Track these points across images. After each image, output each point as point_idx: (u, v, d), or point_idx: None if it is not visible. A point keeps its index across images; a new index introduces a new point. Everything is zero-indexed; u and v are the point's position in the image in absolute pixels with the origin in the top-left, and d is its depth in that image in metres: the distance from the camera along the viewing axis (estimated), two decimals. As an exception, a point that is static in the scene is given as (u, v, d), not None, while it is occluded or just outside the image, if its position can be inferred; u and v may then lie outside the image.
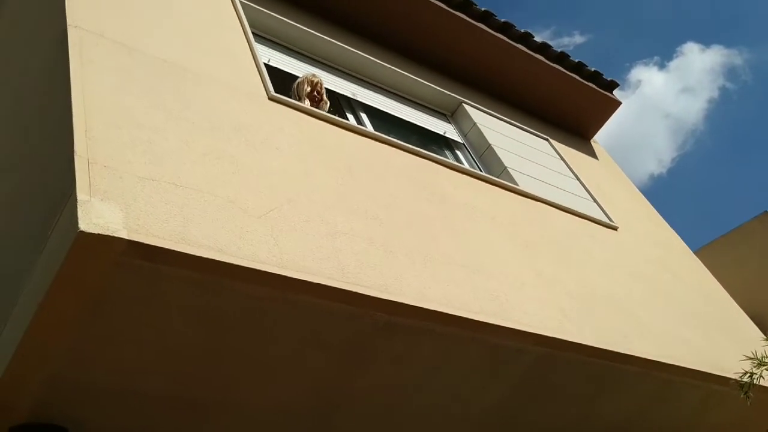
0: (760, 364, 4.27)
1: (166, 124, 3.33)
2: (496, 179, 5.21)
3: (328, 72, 5.33)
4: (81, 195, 2.64)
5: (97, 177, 2.76)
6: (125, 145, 3.03)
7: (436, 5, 5.98)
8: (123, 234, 2.62)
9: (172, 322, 2.98)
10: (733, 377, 4.54)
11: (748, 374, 4.37)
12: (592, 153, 7.33)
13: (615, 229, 5.82)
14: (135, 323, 2.91)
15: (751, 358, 4.39)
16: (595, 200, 6.05)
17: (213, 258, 2.83)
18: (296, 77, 4.94)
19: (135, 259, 2.70)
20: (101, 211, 2.64)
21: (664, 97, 30.37)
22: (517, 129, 6.41)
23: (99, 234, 2.56)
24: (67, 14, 3.54)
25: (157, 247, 2.72)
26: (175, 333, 3.02)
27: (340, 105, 5.24)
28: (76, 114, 2.97)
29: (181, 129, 3.36)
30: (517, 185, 5.32)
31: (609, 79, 7.29)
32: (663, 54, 31.26)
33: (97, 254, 2.61)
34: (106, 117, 3.10)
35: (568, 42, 28.11)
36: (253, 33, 4.71)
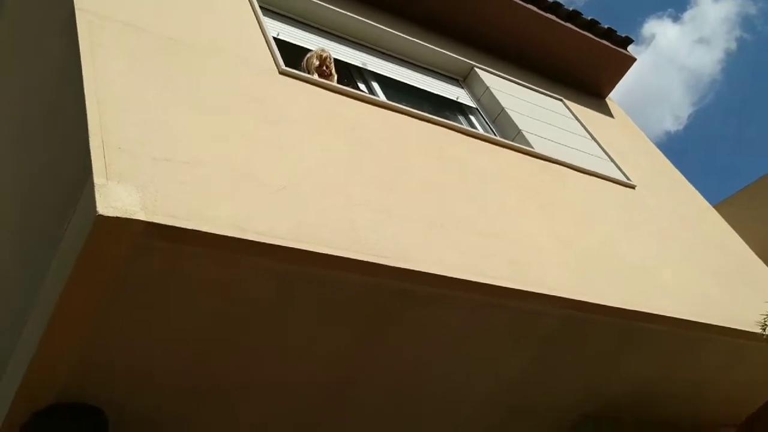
0: None
1: (177, 104, 3.33)
2: (511, 143, 5.17)
3: (337, 42, 5.29)
4: (98, 179, 2.66)
5: (112, 160, 2.78)
6: (138, 126, 3.04)
7: (444, -31, 5.90)
8: (141, 216, 2.65)
9: (194, 300, 3.02)
10: (757, 329, 4.53)
11: None
12: (607, 112, 7.25)
13: (633, 187, 5.77)
14: (158, 303, 2.95)
15: None
16: (611, 159, 6.00)
17: (231, 235, 2.85)
18: (306, 50, 4.92)
19: (154, 239, 2.73)
20: (118, 194, 2.66)
21: (679, 50, 29.90)
22: (531, 91, 6.35)
23: (117, 217, 2.58)
24: (74, -3, 3.53)
25: (176, 227, 2.74)
26: (198, 311, 3.07)
27: (352, 75, 5.22)
28: (89, 98, 2.98)
29: (193, 107, 3.37)
30: (532, 148, 5.28)
31: (623, 35, 7.17)
32: (676, 5, 30.66)
33: (116, 237, 2.64)
34: (118, 100, 3.11)
35: (579, -1, 27.63)
36: (261, 7, 4.68)
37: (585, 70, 7.08)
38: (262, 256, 2.99)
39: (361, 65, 5.27)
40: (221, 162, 3.15)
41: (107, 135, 2.86)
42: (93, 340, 2.89)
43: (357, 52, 5.35)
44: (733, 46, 28.92)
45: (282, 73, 4.09)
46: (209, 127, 3.32)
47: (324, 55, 4.71)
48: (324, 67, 4.62)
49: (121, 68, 3.31)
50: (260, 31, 4.36)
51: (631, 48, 7.30)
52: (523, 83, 6.36)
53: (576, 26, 6.81)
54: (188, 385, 3.30)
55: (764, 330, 4.31)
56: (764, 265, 5.99)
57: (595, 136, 6.25)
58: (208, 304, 3.07)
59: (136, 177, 2.79)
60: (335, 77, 4.65)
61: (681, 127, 29.32)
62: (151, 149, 2.97)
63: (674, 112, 30.14)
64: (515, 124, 5.53)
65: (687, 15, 30.29)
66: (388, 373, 3.78)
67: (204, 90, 3.54)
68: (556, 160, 5.32)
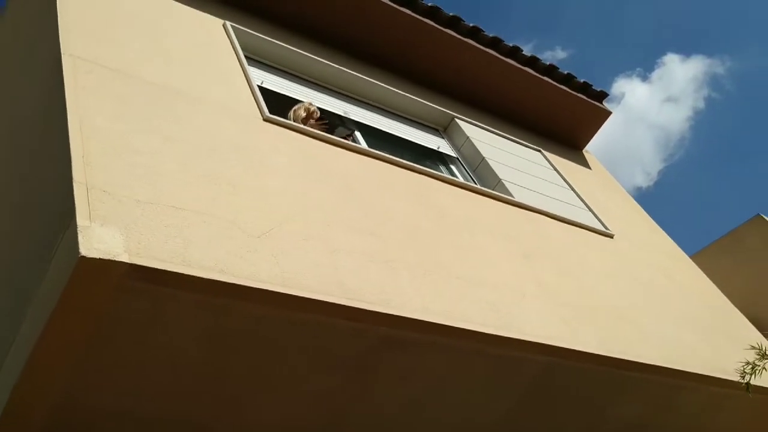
0: (763, 356, 4.28)
1: (163, 148, 3.35)
2: (492, 191, 5.23)
3: (320, 92, 5.37)
4: (81, 220, 2.65)
5: (96, 202, 2.77)
6: (123, 169, 3.04)
7: (425, 23, 6.04)
8: (124, 257, 2.63)
9: (177, 343, 2.98)
10: (736, 377, 4.54)
11: (750, 365, 4.37)
12: (584, 163, 7.38)
13: (611, 237, 5.84)
14: (141, 345, 2.91)
15: (754, 348, 4.40)
16: (590, 209, 6.08)
17: (215, 279, 2.84)
18: (290, 98, 4.98)
19: (137, 282, 2.71)
20: (102, 236, 2.64)
21: (648, 108, 30.58)
22: (510, 141, 6.45)
23: (100, 258, 2.56)
24: (61, 42, 3.57)
25: (159, 269, 2.72)
26: (182, 354, 3.03)
27: (334, 124, 5.27)
28: (74, 141, 2.99)
29: (178, 152, 3.38)
30: (513, 197, 5.35)
31: (598, 89, 7.35)
32: (644, 65, 31.52)
33: (99, 279, 2.61)
34: (103, 143, 3.12)
35: (551, 57, 28.39)
36: (245, 56, 4.75)
37: (562, 122, 7.22)
38: (245, 300, 2.97)
39: (342, 114, 5.34)
40: (205, 206, 3.16)
41: (91, 177, 2.86)
42: (74, 381, 2.84)
43: (339, 101, 5.42)
44: (701, 104, 29.69)
45: (266, 120, 4.13)
46: (194, 172, 3.33)
47: (312, 108, 4.79)
48: (312, 121, 4.68)
49: (106, 112, 3.32)
50: (245, 79, 4.41)
51: (606, 103, 7.47)
52: (503, 134, 6.47)
53: (553, 80, 6.97)
54: (173, 428, 3.23)
55: (743, 378, 4.32)
56: (740, 313, 6.05)
57: (574, 186, 6.34)
58: (193, 347, 3.03)
59: (120, 219, 2.78)
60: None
61: (651, 183, 29.82)
62: (135, 192, 2.97)
63: (645, 168, 30.68)
64: (495, 173, 5.61)
65: (655, 74, 31.13)
66: (376, 415, 3.73)
67: (189, 135, 3.56)
68: (536, 209, 5.38)
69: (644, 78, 30.81)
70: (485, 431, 4.12)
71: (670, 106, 30.41)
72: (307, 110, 4.76)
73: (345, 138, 4.91)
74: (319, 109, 4.93)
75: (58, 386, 2.81)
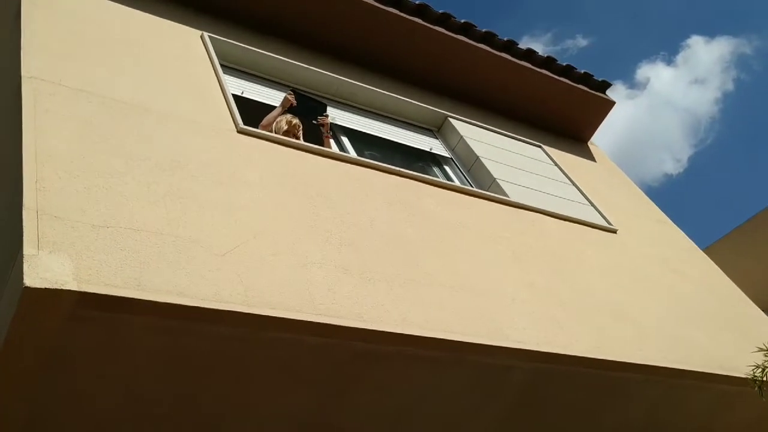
0: None
1: (125, 168, 3.28)
2: (483, 192, 5.10)
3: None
4: (28, 249, 2.59)
5: (46, 229, 2.71)
6: (79, 193, 2.98)
7: (413, 21, 5.91)
8: (72, 286, 2.56)
9: (140, 370, 2.92)
10: (745, 375, 4.38)
11: (761, 368, 4.21)
12: (589, 156, 7.20)
13: (614, 231, 5.67)
14: (101, 374, 2.85)
15: (763, 350, 4.24)
16: (592, 204, 5.91)
17: (171, 302, 2.77)
18: (273, 107, 4.89)
19: (90, 310, 2.64)
20: (49, 264, 2.58)
21: (674, 92, 30.12)
22: (508, 138, 6.30)
23: (46, 288, 2.50)
24: (22, 65, 3.52)
25: (112, 296, 2.65)
26: (146, 380, 2.96)
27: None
28: (27, 166, 2.94)
29: (141, 171, 3.31)
30: (507, 196, 5.21)
31: (600, 79, 7.16)
32: (668, 49, 31.05)
33: (47, 308, 2.55)
34: (61, 166, 3.06)
35: (572, 45, 28.02)
36: (222, 66, 4.68)
37: (563, 115, 7.05)
38: (209, 321, 2.89)
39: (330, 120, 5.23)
40: (166, 227, 3.08)
41: (43, 203, 2.80)
42: (29, 417, 2.78)
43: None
44: (731, 86, 29.13)
45: (240, 132, 4.05)
46: (157, 191, 3.26)
47: (294, 122, 4.68)
48: (292, 135, 4.57)
49: (67, 134, 3.26)
50: (220, 90, 4.34)
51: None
52: (500, 131, 6.33)
53: (551, 72, 6.80)
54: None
55: (754, 382, 4.15)
56: (754, 305, 5.84)
57: (576, 181, 6.17)
58: (157, 372, 2.96)
59: (71, 245, 2.72)
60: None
61: (682, 170, 29.33)
62: (90, 216, 2.90)
63: (674, 155, 30.21)
64: (490, 172, 5.47)
65: (680, 57, 30.61)
66: (355, 429, 3.63)
67: (155, 153, 3.49)
68: (532, 207, 5.24)
69: (669, 62, 30.32)
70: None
71: (697, 89, 29.90)
72: (289, 123, 4.65)
73: (321, 126, 4.77)
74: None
75: (15, 420, 2.75)
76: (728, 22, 28.70)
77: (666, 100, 30.10)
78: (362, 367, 3.36)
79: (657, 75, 30.66)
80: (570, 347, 3.92)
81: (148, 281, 2.78)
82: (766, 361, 4.25)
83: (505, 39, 6.52)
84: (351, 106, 5.55)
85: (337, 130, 5.26)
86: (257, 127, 4.34)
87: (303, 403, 3.37)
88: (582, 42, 28.80)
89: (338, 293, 3.30)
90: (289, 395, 3.33)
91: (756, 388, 4.14)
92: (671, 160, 29.66)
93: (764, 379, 4.15)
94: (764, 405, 4.87)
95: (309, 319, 3.06)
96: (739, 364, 4.55)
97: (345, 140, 5.19)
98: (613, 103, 7.26)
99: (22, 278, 2.48)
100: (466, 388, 3.72)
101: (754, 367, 4.29)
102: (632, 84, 31.10)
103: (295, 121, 4.70)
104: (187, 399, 3.10)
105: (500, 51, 6.45)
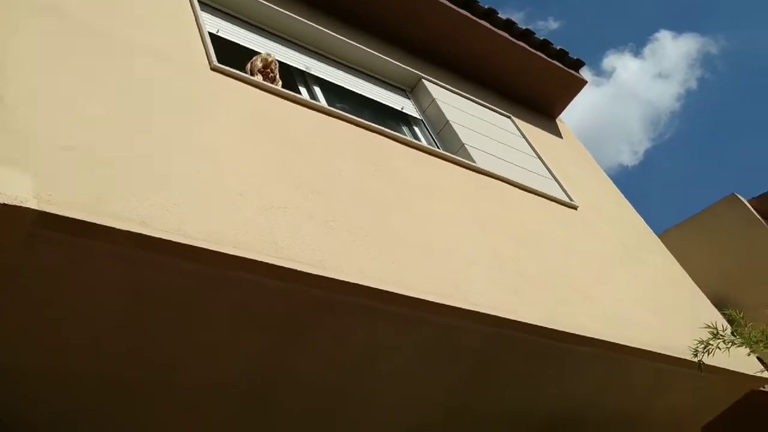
0: (716, 336, 4.21)
1: (93, 93, 3.18)
2: (452, 156, 5.09)
3: (281, 45, 5.17)
4: (-14, 162, 2.50)
5: (6, 143, 2.62)
6: (44, 110, 2.88)
7: (396, -22, 5.82)
8: (32, 204, 2.48)
9: (99, 298, 2.86)
10: (686, 355, 4.49)
11: (704, 344, 4.31)
12: (556, 132, 7.24)
13: (575, 208, 5.74)
14: (58, 298, 2.78)
15: (708, 328, 4.34)
16: (555, 179, 5.96)
17: (134, 231, 2.70)
18: (248, 49, 4.79)
19: (49, 231, 2.57)
20: (7, 179, 2.49)
21: (638, 83, 30.48)
22: (479, 106, 6.29)
23: (4, 204, 2.42)
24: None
25: (73, 218, 2.58)
26: (104, 309, 2.90)
27: (294, 79, 5.10)
28: (-10, 78, 2.82)
29: (107, 97, 3.21)
30: (475, 162, 5.21)
31: (575, 57, 7.19)
32: (637, 41, 31.36)
33: (5, 224, 2.47)
34: (25, 81, 2.95)
35: (543, 26, 28.12)
36: (200, 1, 4.54)
37: (536, 89, 7.07)
38: (171, 255, 2.84)
39: (304, 69, 5.15)
40: (134, 156, 3.00)
41: (4, 116, 2.70)
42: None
43: (301, 56, 5.23)
44: (694, 84, 29.60)
45: (214, 69, 3.95)
46: (125, 120, 3.17)
47: (270, 59, 4.59)
48: (269, 70, 4.49)
49: (33, 49, 3.14)
50: (195, 25, 4.22)
51: (591, 79, 7.34)
52: (472, 98, 6.31)
53: (529, 45, 6.79)
54: (95, 387, 3.10)
55: (696, 356, 4.26)
56: (701, 292, 5.99)
57: (542, 155, 6.21)
58: (116, 303, 2.90)
59: (33, 163, 2.63)
60: (279, 83, 4.53)
61: (637, 162, 29.84)
62: (54, 135, 2.81)
63: (632, 147, 30.69)
64: (459, 137, 5.46)
65: (647, 50, 30.96)
66: (310, 378, 3.61)
67: (125, 82, 3.39)
68: (498, 176, 5.25)
69: (636, 53, 30.64)
70: (426, 401, 4.04)
71: (661, 83, 30.31)
72: (265, 60, 4.56)
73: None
74: (279, 62, 4.74)
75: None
76: (697, 19, 29.10)
77: (630, 91, 30.50)
78: (320, 314, 3.35)
79: (623, 65, 31.01)
80: (525, 315, 3.95)
81: (110, 208, 2.71)
82: (710, 338, 4.35)
83: (486, 7, 6.48)
84: (326, 57, 5.46)
85: (311, 80, 5.18)
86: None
87: (259, 346, 3.35)
88: (553, 24, 28.90)
89: (301, 239, 3.27)
90: (246, 337, 3.30)
91: (697, 363, 4.24)
92: (628, 152, 30.15)
93: (706, 355, 4.25)
94: (702, 388, 5.04)
95: (272, 262, 3.02)
96: (682, 347, 4.66)
97: (317, 90, 5.11)
98: (585, 82, 7.30)
99: (-20, 191, 2.39)
100: (422, 347, 3.74)
101: (697, 343, 4.39)
102: (598, 71, 31.39)
103: (272, 59, 4.60)
104: (144, 335, 3.05)
105: (480, 18, 6.41)
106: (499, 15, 6.56)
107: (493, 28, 6.50)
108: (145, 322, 3.02)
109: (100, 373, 3.08)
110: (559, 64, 7.03)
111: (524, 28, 6.77)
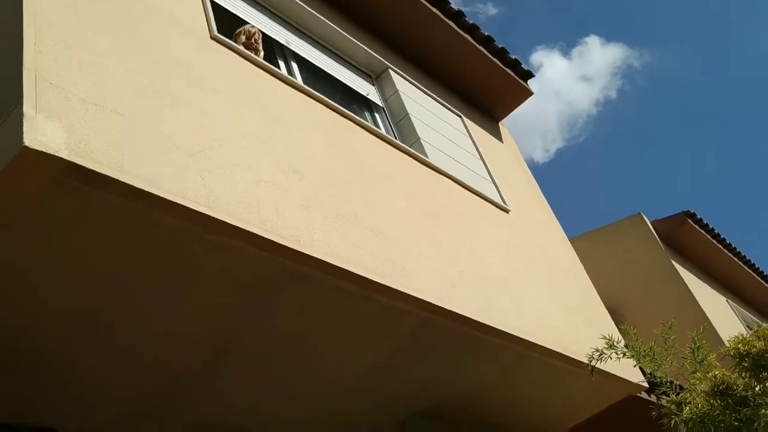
0: (611, 347, 4.82)
1: (111, 51, 3.41)
2: (409, 149, 5.51)
3: (268, 16, 5.42)
4: (28, 110, 2.73)
5: (43, 94, 2.85)
6: (73, 64, 3.11)
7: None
8: (64, 154, 2.75)
9: (96, 244, 3.13)
10: (582, 357, 5.10)
11: (599, 353, 4.92)
12: (498, 135, 7.77)
13: (507, 211, 6.27)
14: (62, 239, 3.05)
15: (605, 338, 4.95)
16: (493, 182, 6.47)
17: (146, 189, 3.00)
18: (240, 19, 5.02)
19: (72, 180, 2.84)
20: (45, 129, 2.74)
21: (562, 83, 31.60)
22: (435, 102, 6.72)
23: (41, 151, 2.68)
24: None
25: (96, 171, 2.85)
26: (96, 255, 3.17)
27: (274, 51, 5.37)
28: (27, 28, 3.02)
29: (125, 57, 3.45)
30: (427, 157, 5.65)
31: (526, 68, 7.71)
32: (567, 41, 32.40)
33: (36, 170, 2.74)
34: (56, 33, 3.15)
35: (481, 10, 28.59)
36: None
37: (487, 92, 7.57)
38: (171, 214, 3.14)
39: (284, 43, 5.43)
40: (146, 117, 3.27)
41: (41, 67, 2.92)
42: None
43: (283, 30, 5.50)
44: (613, 93, 30.96)
45: (213, 38, 4.21)
46: (137, 80, 3.41)
47: (253, 30, 4.84)
48: (252, 41, 4.75)
49: (61, 3, 3.33)
50: (200, -9, 4.44)
51: (529, 82, 7.87)
52: (430, 93, 6.73)
53: (488, 51, 7.26)
54: (72, 322, 3.40)
55: (590, 362, 4.85)
56: (599, 300, 6.68)
57: (484, 157, 6.71)
58: (109, 250, 3.18)
59: (65, 115, 2.88)
60: (262, 53, 4.80)
61: (547, 160, 31.08)
62: (82, 90, 3.05)
63: (545, 144, 31.89)
64: (416, 131, 5.88)
65: (575, 51, 32.12)
66: (265, 340, 4.01)
67: (137, 44, 3.62)
68: (446, 173, 5.71)
69: (565, 53, 31.69)
70: (358, 373, 4.51)
71: (583, 85, 31.49)
72: (248, 32, 4.80)
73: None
74: (262, 33, 4.99)
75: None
76: (628, 30, 30.35)
77: (553, 90, 31.62)
78: (287, 282, 3.72)
79: (551, 62, 32.07)
80: (458, 306, 4.46)
81: (128, 165, 2.99)
82: (605, 348, 4.96)
83: (456, 9, 6.88)
84: (305, 34, 5.74)
85: (289, 55, 5.46)
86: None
87: (224, 303, 3.70)
88: (492, 10, 29.54)
89: (282, 215, 3.63)
90: (213, 294, 3.64)
91: (590, 369, 4.83)
92: (541, 149, 31.34)
93: (599, 362, 4.85)
94: (593, 390, 5.70)
95: (258, 233, 3.38)
96: (578, 349, 5.30)
97: (294, 66, 5.40)
98: (531, 93, 7.84)
99: (21, 137, 2.64)
100: (365, 322, 4.18)
101: (593, 351, 4.99)
102: (526, 65, 32.29)
103: (255, 30, 4.85)
104: (125, 280, 3.35)
105: (449, 19, 6.81)
106: (466, 18, 6.98)
107: (459, 30, 6.91)
108: (129, 269, 3.31)
109: (77, 308, 3.37)
110: (512, 73, 7.54)
111: (486, 34, 7.22)
